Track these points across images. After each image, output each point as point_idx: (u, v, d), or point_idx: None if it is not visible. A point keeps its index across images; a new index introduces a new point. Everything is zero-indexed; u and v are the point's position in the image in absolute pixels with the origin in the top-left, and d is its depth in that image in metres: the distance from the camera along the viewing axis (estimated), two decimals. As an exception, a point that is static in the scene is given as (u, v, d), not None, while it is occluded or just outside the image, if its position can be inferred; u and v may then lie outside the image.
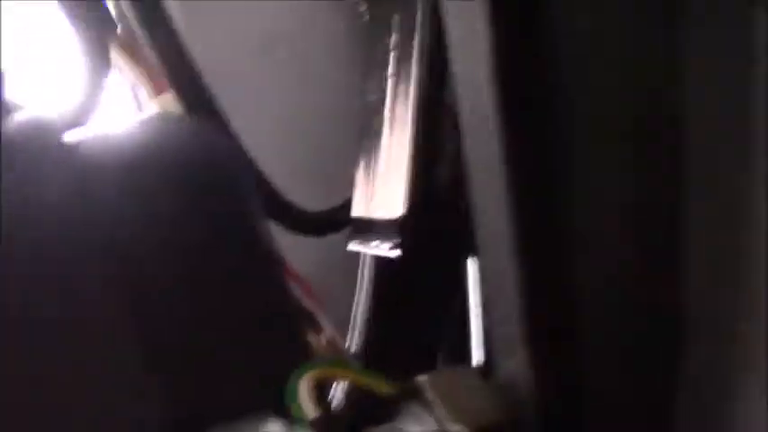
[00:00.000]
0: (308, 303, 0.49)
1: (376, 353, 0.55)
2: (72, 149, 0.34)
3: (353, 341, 0.56)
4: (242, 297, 0.34)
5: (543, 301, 0.29)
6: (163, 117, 0.42)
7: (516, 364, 0.30)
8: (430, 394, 0.29)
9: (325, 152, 0.62)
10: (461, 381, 0.30)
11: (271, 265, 0.37)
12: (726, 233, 0.25)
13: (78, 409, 0.31)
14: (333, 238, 0.56)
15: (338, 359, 0.37)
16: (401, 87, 0.49)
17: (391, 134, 0.49)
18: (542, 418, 0.28)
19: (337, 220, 0.54)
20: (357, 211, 0.53)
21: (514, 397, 0.29)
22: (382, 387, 0.33)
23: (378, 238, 0.50)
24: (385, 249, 0.49)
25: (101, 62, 0.43)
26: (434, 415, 0.29)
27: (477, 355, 0.40)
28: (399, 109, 0.49)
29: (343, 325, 0.56)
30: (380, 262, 0.54)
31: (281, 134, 0.62)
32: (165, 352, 0.32)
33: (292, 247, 0.50)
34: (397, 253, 0.48)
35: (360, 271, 0.56)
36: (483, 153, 0.28)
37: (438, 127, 0.46)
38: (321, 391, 0.32)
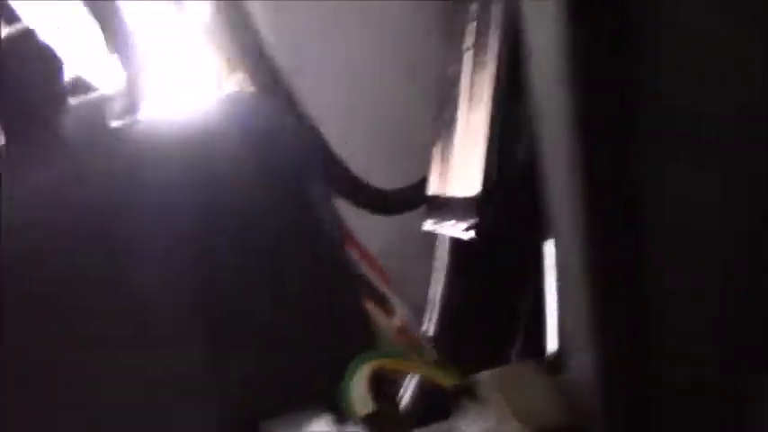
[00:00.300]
0: (379, 285, 0.48)
1: (452, 338, 0.53)
2: (127, 134, 0.33)
3: (430, 324, 0.54)
4: (305, 282, 0.33)
5: (616, 293, 0.27)
6: (232, 96, 0.41)
7: (585, 360, 0.28)
8: (490, 391, 0.27)
9: (402, 128, 0.61)
10: (524, 378, 0.28)
11: (335, 251, 0.35)
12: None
13: (143, 401, 0.31)
14: (409, 218, 0.55)
15: (396, 350, 0.35)
16: (479, 61, 0.46)
17: (469, 110, 0.47)
18: (607, 421, 0.26)
19: (412, 199, 0.53)
20: (433, 189, 0.51)
21: (580, 396, 0.27)
22: (446, 380, 0.32)
23: (454, 218, 0.48)
24: (460, 230, 0.47)
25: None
26: (493, 413, 0.27)
27: (550, 346, 0.38)
28: (477, 85, 0.47)
29: (419, 307, 0.54)
30: (457, 243, 0.52)
31: (356, 110, 0.60)
32: (230, 338, 0.31)
33: (367, 228, 0.49)
34: (471, 235, 0.46)
35: (436, 252, 0.54)
36: (555, 143, 0.26)
37: (516, 105, 0.44)
38: (380, 383, 0.31)
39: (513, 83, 0.44)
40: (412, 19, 0.60)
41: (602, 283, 0.27)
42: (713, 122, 0.24)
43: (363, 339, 0.34)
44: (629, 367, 0.27)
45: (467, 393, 0.28)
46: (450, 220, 0.48)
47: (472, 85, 0.47)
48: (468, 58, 0.47)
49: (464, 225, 0.47)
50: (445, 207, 0.49)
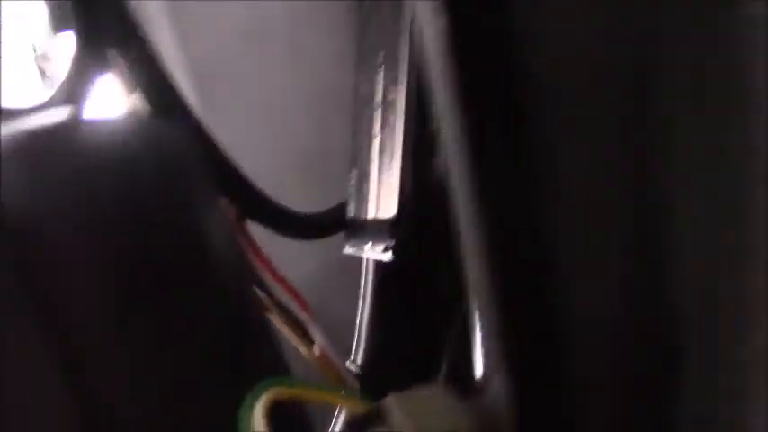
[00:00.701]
0: (299, 313, 0.46)
1: (380, 364, 0.52)
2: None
3: (357, 352, 0.53)
4: (192, 305, 0.31)
5: (523, 316, 0.25)
6: (126, 117, 0.40)
7: (499, 382, 0.26)
8: (396, 415, 0.26)
9: (318, 152, 0.60)
10: (431, 401, 0.27)
11: (229, 273, 0.33)
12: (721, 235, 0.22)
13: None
14: (332, 246, 0.53)
15: (295, 379, 0.34)
16: (390, 77, 0.45)
17: (382, 130, 0.46)
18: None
19: (331, 223, 0.51)
20: (351, 211, 0.49)
21: (493, 419, 0.26)
22: (354, 405, 0.30)
23: (372, 240, 0.47)
24: (378, 252, 0.46)
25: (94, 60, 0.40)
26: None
27: (478, 368, 0.36)
28: (390, 103, 0.46)
29: (343, 335, 0.53)
30: (381, 267, 0.51)
31: (270, 137, 0.59)
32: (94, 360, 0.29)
33: (288, 258, 0.48)
34: (389, 256, 0.44)
35: (361, 279, 0.53)
36: (452, 158, 0.25)
37: (432, 122, 0.43)
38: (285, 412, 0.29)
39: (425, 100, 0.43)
40: (325, 42, 0.60)
41: (508, 307, 0.26)
42: (593, 117, 0.23)
43: (270, 368, 0.32)
44: (540, 391, 0.25)
45: (377, 418, 0.26)
46: (368, 242, 0.47)
47: (385, 103, 0.46)
48: (379, 76, 0.46)
49: (381, 247, 0.46)
50: (363, 229, 0.48)
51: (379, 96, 0.46)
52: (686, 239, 0.23)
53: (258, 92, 0.61)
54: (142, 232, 0.31)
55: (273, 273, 0.46)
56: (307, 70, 0.61)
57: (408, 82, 0.44)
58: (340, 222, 0.50)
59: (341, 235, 0.52)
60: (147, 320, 0.30)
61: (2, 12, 0.42)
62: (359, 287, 0.53)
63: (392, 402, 0.26)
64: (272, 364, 0.33)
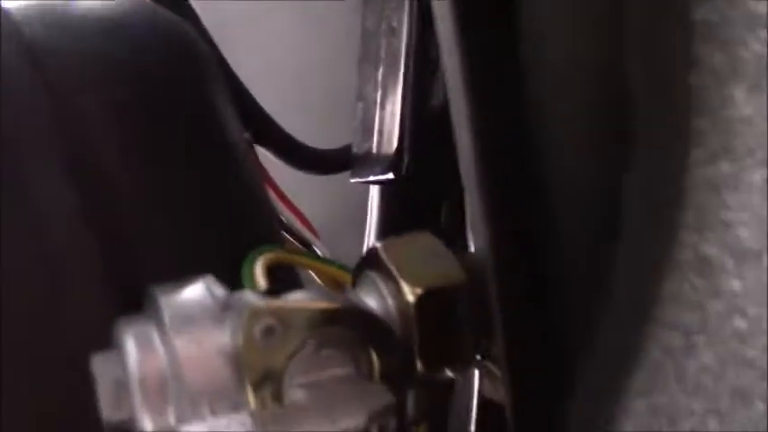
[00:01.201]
0: (304, 233, 0.48)
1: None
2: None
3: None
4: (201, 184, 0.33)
5: (505, 181, 0.27)
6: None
7: (481, 240, 0.28)
8: (385, 260, 0.27)
9: (329, 107, 0.61)
10: (418, 246, 0.28)
11: (235, 155, 0.35)
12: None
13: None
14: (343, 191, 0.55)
15: (298, 249, 0.35)
16: (395, 4, 0.47)
17: (386, 57, 0.48)
18: (499, 282, 0.26)
19: (339, 160, 0.53)
20: (356, 145, 0.51)
21: (480, 272, 0.27)
22: (343, 275, 0.32)
23: (376, 167, 0.49)
24: (382, 176, 0.48)
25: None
26: (386, 281, 0.27)
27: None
28: (393, 29, 0.47)
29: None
30: (387, 197, 0.52)
31: (283, 90, 0.61)
32: (122, 233, 0.31)
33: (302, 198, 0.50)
34: (390, 176, 0.46)
35: (368, 207, 0.54)
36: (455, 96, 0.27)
37: (428, 62, 0.45)
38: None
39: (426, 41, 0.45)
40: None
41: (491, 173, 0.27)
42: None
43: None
44: (518, 242, 0.27)
45: (368, 265, 0.28)
46: (372, 169, 0.49)
47: (388, 30, 0.48)
48: (385, 5, 0.48)
49: (385, 174, 0.48)
50: (368, 158, 0.50)
51: (383, 25, 0.48)
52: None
53: (271, 50, 0.63)
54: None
55: (280, 194, 0.48)
56: (317, 27, 0.63)
57: (411, 6, 0.45)
58: (347, 160, 0.52)
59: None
60: (176, 181, 0.32)
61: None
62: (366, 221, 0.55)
63: (384, 248, 0.27)
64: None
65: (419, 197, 0.52)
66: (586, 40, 0.22)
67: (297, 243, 0.46)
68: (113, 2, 0.35)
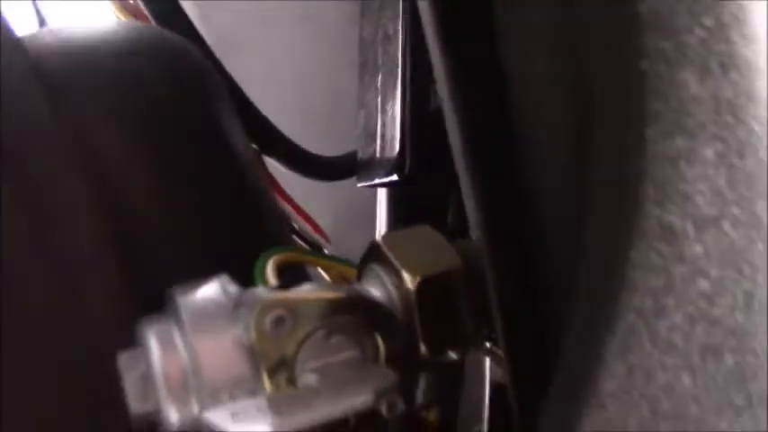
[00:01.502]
0: (314, 237, 0.50)
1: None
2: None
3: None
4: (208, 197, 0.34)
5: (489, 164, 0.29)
6: (137, 25, 0.43)
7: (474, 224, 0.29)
8: (386, 252, 0.29)
9: (329, 110, 0.63)
10: (416, 237, 0.30)
11: (240, 166, 0.37)
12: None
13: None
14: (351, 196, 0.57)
15: (306, 249, 0.37)
16: (391, 12, 0.49)
17: (384, 63, 0.50)
18: (493, 268, 0.28)
19: (344, 167, 0.55)
20: (361, 152, 0.53)
21: (476, 260, 0.29)
22: (349, 271, 0.33)
23: (381, 170, 0.50)
24: (386, 178, 0.49)
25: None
26: (387, 272, 0.29)
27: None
28: (390, 35, 0.49)
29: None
30: (393, 196, 0.54)
31: (284, 94, 0.63)
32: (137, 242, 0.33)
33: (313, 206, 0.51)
34: (395, 176, 0.48)
35: (377, 210, 0.56)
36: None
37: (426, 66, 0.47)
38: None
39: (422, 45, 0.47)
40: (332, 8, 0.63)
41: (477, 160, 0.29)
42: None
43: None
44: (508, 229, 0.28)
45: (371, 258, 0.30)
46: (378, 172, 0.51)
47: (385, 37, 0.49)
48: (381, 14, 0.50)
49: (390, 176, 0.49)
50: (372, 163, 0.51)
51: (380, 34, 0.50)
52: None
53: (273, 57, 0.65)
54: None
55: (291, 203, 0.50)
56: (317, 35, 0.65)
57: (406, 13, 0.47)
58: (352, 167, 0.54)
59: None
60: (186, 191, 0.33)
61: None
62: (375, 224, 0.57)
63: (384, 241, 0.29)
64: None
65: (425, 198, 0.53)
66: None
67: (308, 247, 0.48)
68: (123, 28, 0.37)
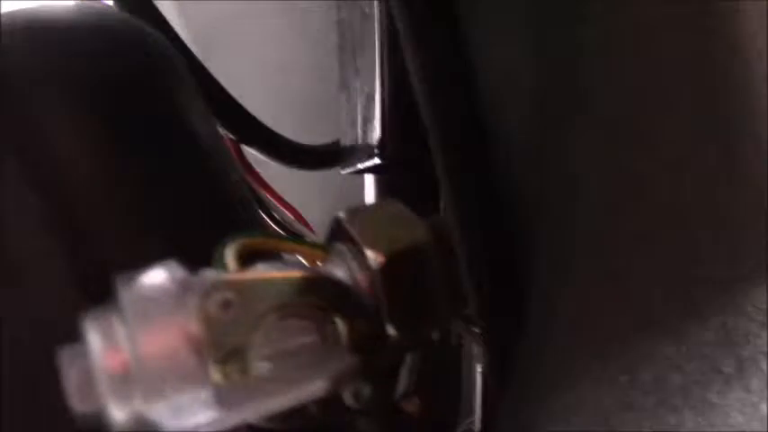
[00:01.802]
0: (297, 226, 0.48)
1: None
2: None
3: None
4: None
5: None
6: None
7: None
8: (349, 229, 0.27)
9: (313, 98, 0.61)
10: (382, 212, 0.28)
11: (201, 149, 0.35)
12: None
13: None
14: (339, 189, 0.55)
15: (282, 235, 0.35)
16: (366, 3, 0.47)
17: (362, 52, 0.48)
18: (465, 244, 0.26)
19: (327, 155, 0.53)
20: (344, 139, 0.51)
21: (444, 232, 0.27)
22: (320, 253, 0.31)
23: (363, 157, 0.48)
24: (369, 162, 0.47)
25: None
26: (354, 248, 0.27)
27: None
28: (367, 16, 0.47)
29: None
30: (380, 184, 0.52)
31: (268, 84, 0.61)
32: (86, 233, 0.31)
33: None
34: (377, 161, 0.46)
35: (365, 200, 0.54)
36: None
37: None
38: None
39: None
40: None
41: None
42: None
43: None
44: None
45: (335, 235, 0.28)
46: (360, 157, 0.49)
47: (362, 18, 0.47)
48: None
49: (371, 157, 0.47)
50: (356, 150, 0.50)
51: (356, 13, 0.48)
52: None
53: (257, 48, 0.63)
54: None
55: (270, 190, 0.48)
56: (300, 24, 0.63)
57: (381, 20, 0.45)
58: (336, 155, 0.52)
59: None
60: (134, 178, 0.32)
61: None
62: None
63: (347, 217, 0.27)
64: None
65: (413, 183, 0.51)
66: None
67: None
68: (78, 8, 0.35)
